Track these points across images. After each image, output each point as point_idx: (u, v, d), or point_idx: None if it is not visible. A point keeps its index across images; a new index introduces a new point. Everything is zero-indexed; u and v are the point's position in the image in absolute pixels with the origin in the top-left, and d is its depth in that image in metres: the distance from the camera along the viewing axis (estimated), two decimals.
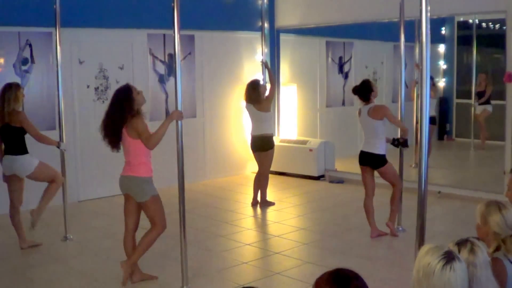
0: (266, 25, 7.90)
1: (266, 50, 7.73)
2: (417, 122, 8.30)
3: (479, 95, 10.07)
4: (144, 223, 4.88)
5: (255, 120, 7.22)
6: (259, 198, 7.46)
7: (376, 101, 6.00)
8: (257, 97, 7.12)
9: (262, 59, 7.49)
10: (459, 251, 2.39)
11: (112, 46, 8.01)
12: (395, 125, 6.02)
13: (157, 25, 8.08)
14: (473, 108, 10.23)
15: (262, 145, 7.25)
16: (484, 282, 2.35)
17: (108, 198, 7.84)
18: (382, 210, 7.10)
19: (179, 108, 4.53)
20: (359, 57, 10.52)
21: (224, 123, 9.15)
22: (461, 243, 2.43)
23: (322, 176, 9.07)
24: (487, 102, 10.00)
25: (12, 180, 5.63)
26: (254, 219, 7.00)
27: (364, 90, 5.88)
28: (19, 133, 5.53)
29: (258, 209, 7.41)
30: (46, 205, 5.75)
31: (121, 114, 4.51)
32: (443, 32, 10.87)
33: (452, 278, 2.15)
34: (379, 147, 5.85)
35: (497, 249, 2.79)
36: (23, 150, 5.59)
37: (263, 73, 7.38)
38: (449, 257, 2.18)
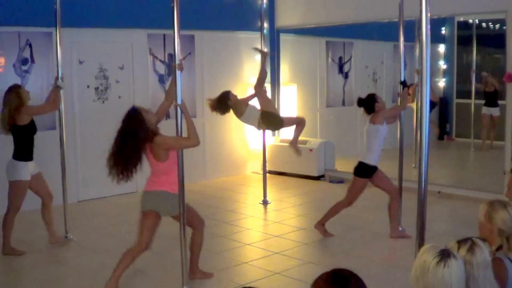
0: (266, 25, 7.89)
1: (266, 50, 7.71)
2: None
3: (488, 96, 9.97)
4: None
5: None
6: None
7: None
8: (226, 109, 6.56)
9: (261, 49, 7.28)
10: (458, 249, 2.39)
11: (112, 46, 8.01)
12: (398, 111, 6.10)
13: (157, 25, 8.08)
14: (472, 108, 10.20)
15: None
16: (481, 282, 2.35)
17: (108, 198, 7.84)
18: (382, 210, 7.10)
19: (179, 109, 4.53)
20: (359, 57, 10.52)
21: (224, 123, 9.14)
22: (461, 241, 2.44)
23: (322, 176, 9.07)
24: (496, 104, 9.85)
25: (31, 182, 5.63)
26: (254, 219, 7.00)
27: (369, 102, 5.88)
28: (23, 133, 5.48)
29: (258, 209, 7.41)
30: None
31: (137, 143, 4.34)
32: (443, 32, 10.86)
33: (446, 275, 2.16)
34: (368, 157, 5.83)
35: (499, 248, 2.79)
36: (21, 156, 5.49)
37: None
38: (444, 255, 2.20)
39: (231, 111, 6.51)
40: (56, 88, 5.87)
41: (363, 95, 6.04)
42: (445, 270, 2.16)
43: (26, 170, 5.51)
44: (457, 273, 2.18)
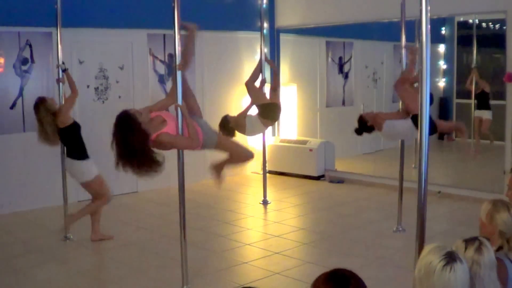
0: (266, 25, 7.89)
1: (266, 50, 7.71)
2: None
3: (476, 98, 9.92)
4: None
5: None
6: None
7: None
8: (233, 132, 6.46)
9: (264, 58, 7.24)
10: (466, 248, 2.39)
11: (112, 46, 8.01)
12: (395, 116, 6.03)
13: (157, 25, 8.07)
14: (473, 108, 10.18)
15: None
16: (486, 282, 2.34)
17: None
18: (382, 210, 7.12)
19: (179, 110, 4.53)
20: (359, 57, 10.52)
21: None
22: (469, 241, 2.43)
23: (322, 176, 9.07)
24: (487, 107, 9.73)
25: None
26: (254, 219, 7.00)
27: (364, 126, 5.92)
28: (73, 132, 5.61)
29: (258, 209, 7.41)
30: (81, 216, 5.85)
31: (134, 147, 4.28)
32: (443, 32, 10.86)
33: (452, 279, 2.15)
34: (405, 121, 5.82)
35: (499, 248, 2.79)
36: (81, 155, 5.65)
37: (263, 72, 7.14)
38: (450, 258, 2.18)
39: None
40: (64, 72, 5.90)
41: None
42: (451, 274, 2.15)
43: (95, 165, 5.73)
44: (462, 277, 2.17)
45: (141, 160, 4.33)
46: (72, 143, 5.65)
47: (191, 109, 4.74)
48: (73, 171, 5.68)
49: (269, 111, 6.38)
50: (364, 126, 5.95)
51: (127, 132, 4.27)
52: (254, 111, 6.83)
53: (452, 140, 11.25)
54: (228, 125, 6.37)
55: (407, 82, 5.85)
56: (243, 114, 6.42)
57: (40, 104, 5.55)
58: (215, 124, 8.97)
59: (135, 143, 4.26)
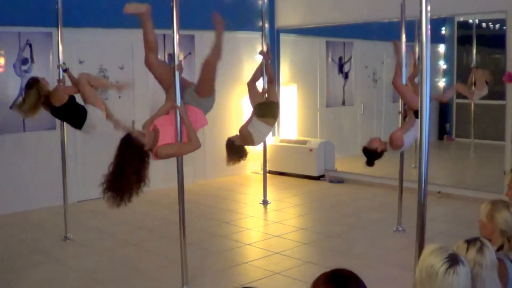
0: (266, 25, 7.89)
1: (266, 50, 7.71)
2: None
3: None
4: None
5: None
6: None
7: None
8: (244, 150, 6.21)
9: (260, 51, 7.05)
10: (467, 249, 2.38)
11: (112, 46, 8.01)
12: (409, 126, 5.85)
13: (157, 25, 8.01)
14: (472, 108, 10.18)
15: None
16: (488, 283, 2.34)
17: None
18: (382, 210, 7.11)
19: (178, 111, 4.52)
20: (359, 57, 10.52)
21: (224, 123, 9.15)
22: (471, 241, 2.43)
23: (322, 176, 9.08)
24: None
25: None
26: (254, 219, 7.00)
27: (372, 154, 5.73)
28: (69, 109, 5.44)
29: (258, 209, 7.41)
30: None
31: (135, 168, 4.20)
32: (443, 32, 10.86)
33: (455, 282, 2.14)
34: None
35: (500, 248, 2.79)
36: (83, 115, 5.44)
37: (263, 74, 7.04)
38: (453, 261, 2.17)
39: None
40: (65, 72, 5.84)
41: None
42: (454, 278, 2.14)
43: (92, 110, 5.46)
44: (464, 280, 2.17)
45: (125, 191, 4.22)
46: (73, 114, 5.44)
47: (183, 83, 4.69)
48: (88, 130, 5.53)
49: (265, 109, 6.11)
50: (373, 154, 5.71)
51: (126, 161, 4.18)
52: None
53: (452, 140, 11.26)
54: (235, 146, 6.04)
55: (408, 79, 5.83)
56: (245, 126, 6.14)
57: (34, 83, 5.32)
58: (214, 124, 9.03)
59: (129, 176, 4.16)
